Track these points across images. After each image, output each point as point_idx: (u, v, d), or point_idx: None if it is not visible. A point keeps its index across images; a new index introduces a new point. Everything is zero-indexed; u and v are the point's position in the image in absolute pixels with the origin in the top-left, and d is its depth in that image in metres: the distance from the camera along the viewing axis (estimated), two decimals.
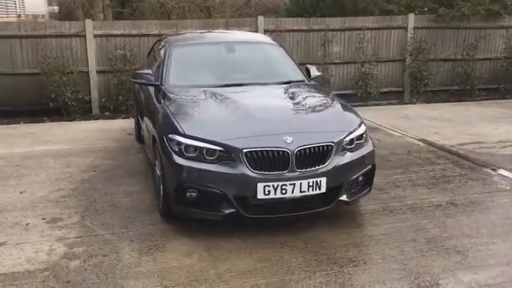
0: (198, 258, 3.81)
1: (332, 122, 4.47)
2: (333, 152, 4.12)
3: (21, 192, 5.19)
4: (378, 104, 10.57)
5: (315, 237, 4.15)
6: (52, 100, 9.03)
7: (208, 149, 3.99)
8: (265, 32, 10.10)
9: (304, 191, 4.01)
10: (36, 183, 5.45)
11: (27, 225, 4.40)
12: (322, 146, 4.08)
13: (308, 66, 5.89)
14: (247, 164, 3.92)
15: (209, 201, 4.04)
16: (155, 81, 5.27)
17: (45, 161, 6.31)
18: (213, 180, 3.97)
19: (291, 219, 4.30)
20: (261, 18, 10.21)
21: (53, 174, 5.78)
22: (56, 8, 24.38)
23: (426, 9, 11.12)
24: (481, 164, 6.15)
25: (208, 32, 7.50)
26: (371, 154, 4.46)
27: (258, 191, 3.92)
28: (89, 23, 9.56)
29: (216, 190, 3.97)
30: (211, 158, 3.99)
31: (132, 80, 5.45)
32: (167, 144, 4.16)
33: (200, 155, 4.00)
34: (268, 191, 3.93)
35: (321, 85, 5.58)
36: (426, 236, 4.19)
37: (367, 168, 4.42)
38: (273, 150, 3.95)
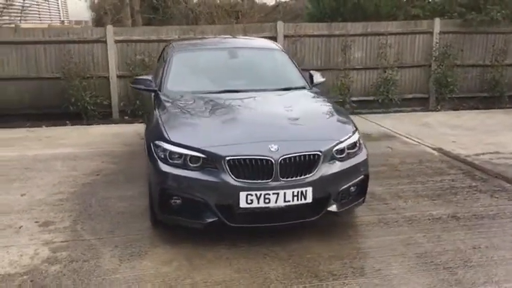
0: (176, 267, 3.77)
1: (322, 130, 4.35)
2: (321, 161, 4.00)
3: (22, 195, 5.30)
4: (401, 111, 10.29)
5: (302, 248, 4.04)
6: (72, 104, 9.22)
7: (192, 156, 3.95)
8: (285, 37, 10.03)
9: (288, 201, 3.90)
10: (38, 187, 5.55)
11: (19, 228, 4.48)
12: (308, 155, 3.97)
13: (312, 72, 5.77)
14: (230, 172, 3.85)
15: (192, 209, 3.99)
16: (155, 87, 5.28)
17: (53, 164, 6.43)
18: (196, 188, 3.93)
19: (281, 228, 4.20)
20: (280, 24, 10.13)
21: (57, 177, 5.87)
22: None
23: (456, 13, 10.76)
24: (495, 175, 5.87)
25: (214, 38, 7.47)
26: (363, 163, 4.31)
27: (240, 199, 3.84)
28: (110, 29, 9.72)
29: (198, 198, 3.93)
30: (195, 165, 3.94)
31: (132, 85, 5.49)
32: (153, 150, 4.15)
33: (184, 162, 3.96)
34: (251, 200, 3.85)
35: (320, 92, 5.43)
36: (417, 250, 4.01)
37: (359, 178, 4.27)
38: (256, 159, 3.87)
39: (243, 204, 3.85)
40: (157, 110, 4.74)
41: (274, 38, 9.99)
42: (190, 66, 5.53)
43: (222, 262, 3.84)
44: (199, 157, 3.93)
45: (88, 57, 9.58)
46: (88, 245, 4.13)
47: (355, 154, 4.28)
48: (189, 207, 4.00)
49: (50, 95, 9.52)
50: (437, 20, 10.54)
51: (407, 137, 7.80)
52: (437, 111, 10.44)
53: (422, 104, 10.85)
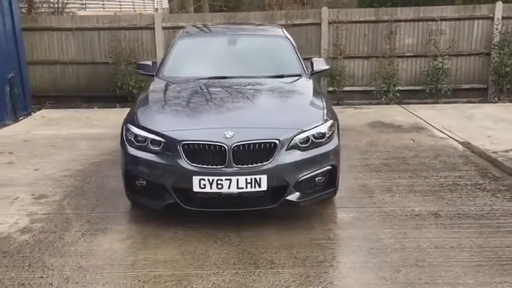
0: (129, 245, 3.96)
1: (287, 119, 4.28)
2: (278, 149, 3.97)
3: (35, 170, 5.78)
4: (454, 102, 9.70)
5: (256, 236, 4.06)
6: (119, 88, 9.76)
7: (152, 140, 4.10)
8: (329, 23, 9.82)
9: (241, 188, 3.93)
10: (52, 163, 6.00)
11: (15, 199, 4.91)
12: (264, 142, 3.96)
13: (314, 59, 5.67)
14: (184, 157, 3.95)
15: (152, 191, 4.15)
16: (153, 72, 5.49)
17: (78, 143, 6.89)
18: (155, 171, 4.08)
19: (252, 214, 4.24)
20: (324, 9, 9.93)
21: (73, 155, 6.31)
22: None
23: None
24: (511, 173, 5.42)
25: (223, 24, 7.44)
26: (329, 154, 4.19)
27: (193, 184, 3.93)
28: (157, 15, 10.12)
29: (157, 181, 4.07)
30: (156, 148, 4.08)
31: (135, 70, 5.74)
32: (124, 133, 4.35)
33: (147, 145, 4.12)
34: (204, 185, 3.93)
35: (313, 81, 5.30)
36: (373, 245, 3.87)
37: (323, 168, 4.17)
38: (210, 144, 3.93)
39: (196, 188, 3.94)
40: (142, 94, 4.94)
41: (318, 25, 9.87)
42: (190, 52, 5.65)
43: (174, 243, 3.97)
44: (160, 141, 4.07)
45: (136, 43, 10.04)
46: (64, 219, 4.45)
47: (322, 144, 4.18)
48: (150, 189, 4.16)
49: (102, 78, 10.12)
50: (499, 4, 9.74)
51: (439, 130, 7.38)
52: (494, 103, 9.72)
53: (481, 94, 10.15)
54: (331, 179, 4.28)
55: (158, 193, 4.11)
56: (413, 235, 4.05)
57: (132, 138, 4.21)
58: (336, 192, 4.46)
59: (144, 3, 23.14)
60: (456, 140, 6.80)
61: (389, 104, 9.58)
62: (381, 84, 9.66)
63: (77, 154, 6.36)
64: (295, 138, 4.05)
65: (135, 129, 4.23)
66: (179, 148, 3.96)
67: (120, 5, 16.67)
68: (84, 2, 13.28)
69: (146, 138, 4.13)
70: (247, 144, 3.93)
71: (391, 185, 5.17)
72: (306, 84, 5.09)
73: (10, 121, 8.35)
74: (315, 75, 5.52)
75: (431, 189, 5.02)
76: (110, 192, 5.06)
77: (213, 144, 3.93)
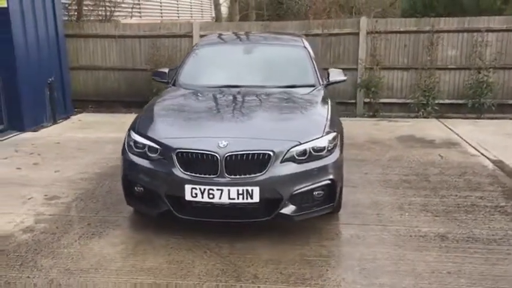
0: (120, 250, 3.99)
1: (286, 130, 4.18)
2: (272, 161, 3.88)
3: (55, 171, 5.97)
4: (499, 118, 9.15)
5: (247, 248, 3.98)
6: (154, 94, 9.92)
7: (150, 147, 4.12)
8: (368, 33, 9.59)
9: (233, 198, 3.87)
10: (74, 165, 6.18)
11: (29, 199, 5.08)
12: (258, 153, 3.88)
13: (330, 70, 5.54)
14: (178, 165, 3.94)
15: (148, 197, 4.16)
16: (168, 79, 5.56)
17: (104, 146, 7.07)
18: (150, 178, 4.10)
19: (250, 225, 4.20)
20: (363, 19, 9.71)
21: (96, 158, 6.48)
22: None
23: None
24: None
25: (243, 33, 7.36)
26: (328, 168, 4.05)
27: (186, 192, 3.91)
28: (196, 24, 10.27)
29: (152, 187, 4.09)
30: (153, 155, 4.10)
31: (152, 77, 5.83)
32: (126, 139, 4.41)
33: (144, 152, 4.15)
34: (196, 194, 3.90)
35: (326, 91, 5.15)
36: (365, 266, 3.69)
37: (321, 183, 4.03)
38: (203, 153, 3.90)
39: (188, 197, 3.92)
40: (151, 101, 5.00)
41: (356, 34, 9.66)
42: (204, 61, 5.67)
43: (164, 251, 3.96)
44: (156, 148, 4.08)
45: (174, 50, 10.22)
46: (67, 220, 4.55)
47: (321, 157, 4.05)
48: (146, 196, 4.18)
49: (141, 84, 10.34)
50: None
51: (473, 146, 6.99)
52: None
53: None
54: (330, 194, 4.13)
55: (153, 200, 4.12)
56: (411, 257, 3.83)
57: (132, 144, 4.26)
58: (340, 208, 4.33)
59: (202, 13, 23.63)
60: (488, 158, 6.42)
61: (428, 117, 9.21)
62: (419, 97, 9.31)
63: (99, 157, 6.51)
64: (291, 150, 3.95)
65: (135, 136, 4.28)
66: (174, 156, 3.96)
67: (161, 13, 17.05)
68: (132, 10, 13.67)
69: (144, 145, 4.16)
70: (241, 154, 3.87)
71: (404, 202, 4.93)
72: (316, 96, 4.97)
73: (49, 123, 8.70)
74: (335, 85, 5.41)
75: (446, 210, 4.75)
76: (118, 196, 5.11)
77: (205, 153, 3.90)
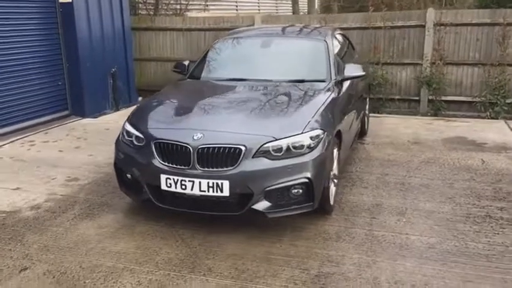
0: (100, 233, 4.19)
1: (265, 125, 4.11)
2: (242, 155, 3.85)
3: (89, 155, 6.38)
4: None
5: (217, 241, 4.00)
6: None
7: (136, 136, 4.27)
8: (435, 25, 8.97)
9: (204, 191, 3.90)
10: (108, 151, 6.49)
11: (52, 179, 5.50)
12: (229, 147, 3.87)
13: (346, 65, 5.29)
14: (156, 155, 4.05)
15: (134, 185, 4.32)
16: (185, 71, 5.71)
17: None
18: (134, 166, 4.25)
19: (236, 219, 4.21)
20: (430, 11, 9.10)
21: None
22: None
23: None
24: None
25: (267, 27, 7.15)
26: (304, 165, 3.91)
27: (161, 182, 4.02)
28: (257, 16, 10.31)
29: (135, 176, 4.24)
30: (138, 145, 4.25)
31: (172, 68, 6.00)
32: (122, 129, 4.61)
33: (132, 141, 4.31)
34: (170, 184, 3.99)
35: (332, 88, 4.92)
36: (326, 270, 3.53)
37: (297, 180, 3.91)
38: (177, 144, 3.97)
39: (163, 186, 4.02)
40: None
41: (422, 27, 9.08)
42: (221, 55, 5.71)
43: (139, 237, 4.10)
44: (141, 138, 4.23)
45: None
46: (72, 201, 4.87)
47: (299, 154, 3.93)
48: (132, 183, 4.34)
49: None
50: None
51: None
52: None
53: None
54: (308, 193, 4.00)
55: (137, 188, 4.28)
56: (381, 265, 3.59)
57: (124, 133, 4.44)
58: (331, 209, 4.27)
59: (277, 7, 23.22)
60: None
61: (497, 118, 8.43)
62: (487, 96, 8.55)
63: None
64: (265, 146, 3.88)
65: (127, 126, 4.46)
66: (152, 146, 4.07)
67: (236, 7, 17.07)
68: (206, 3, 14.00)
69: (132, 135, 4.32)
70: (213, 147, 3.89)
71: (408, 208, 4.61)
72: (317, 91, 4.79)
73: (111, 111, 9.28)
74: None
75: (452, 219, 4.37)
76: None
77: (179, 145, 3.96)
